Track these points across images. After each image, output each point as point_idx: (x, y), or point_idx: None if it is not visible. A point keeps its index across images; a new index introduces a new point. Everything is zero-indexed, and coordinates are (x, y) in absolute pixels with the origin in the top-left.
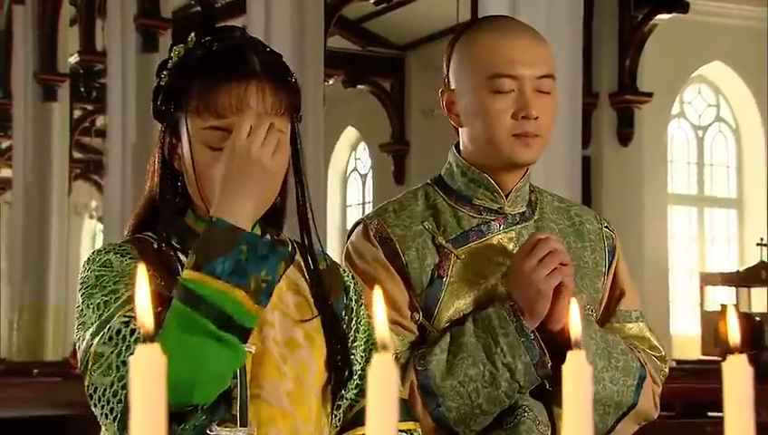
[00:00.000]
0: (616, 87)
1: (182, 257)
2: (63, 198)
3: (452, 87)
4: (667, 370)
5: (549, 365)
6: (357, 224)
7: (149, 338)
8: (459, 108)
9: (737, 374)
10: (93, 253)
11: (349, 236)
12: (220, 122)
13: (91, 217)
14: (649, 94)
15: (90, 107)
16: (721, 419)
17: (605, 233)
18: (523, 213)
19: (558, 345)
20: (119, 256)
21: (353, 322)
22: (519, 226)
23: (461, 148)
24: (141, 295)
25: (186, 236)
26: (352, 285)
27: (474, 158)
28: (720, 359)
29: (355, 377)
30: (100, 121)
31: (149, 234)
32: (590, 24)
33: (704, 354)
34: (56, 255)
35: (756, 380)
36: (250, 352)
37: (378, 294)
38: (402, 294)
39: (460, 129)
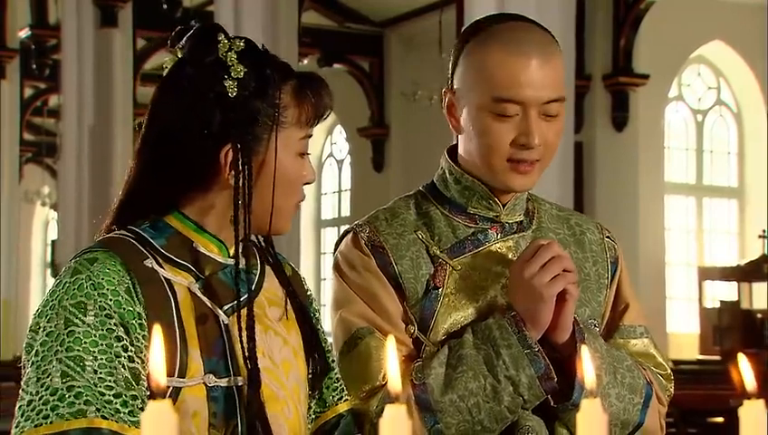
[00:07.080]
0: (610, 68)
1: (162, 267)
2: (13, 183)
3: (454, 90)
4: (672, 389)
5: (555, 379)
6: (346, 232)
7: (161, 394)
8: (460, 115)
9: (754, 420)
10: (70, 271)
11: (337, 246)
12: (310, 131)
13: (43, 204)
14: (645, 76)
15: (42, 85)
16: (720, 425)
17: (607, 244)
18: (521, 222)
19: (562, 359)
20: (98, 289)
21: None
22: (516, 235)
23: (457, 154)
24: (155, 355)
25: (170, 242)
26: (313, 300)
27: (470, 167)
28: (719, 358)
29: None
30: (53, 101)
31: (127, 234)
32: (583, 0)
33: (702, 354)
34: (6, 245)
35: (759, 382)
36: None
37: (390, 343)
38: (396, 306)
39: (459, 135)
